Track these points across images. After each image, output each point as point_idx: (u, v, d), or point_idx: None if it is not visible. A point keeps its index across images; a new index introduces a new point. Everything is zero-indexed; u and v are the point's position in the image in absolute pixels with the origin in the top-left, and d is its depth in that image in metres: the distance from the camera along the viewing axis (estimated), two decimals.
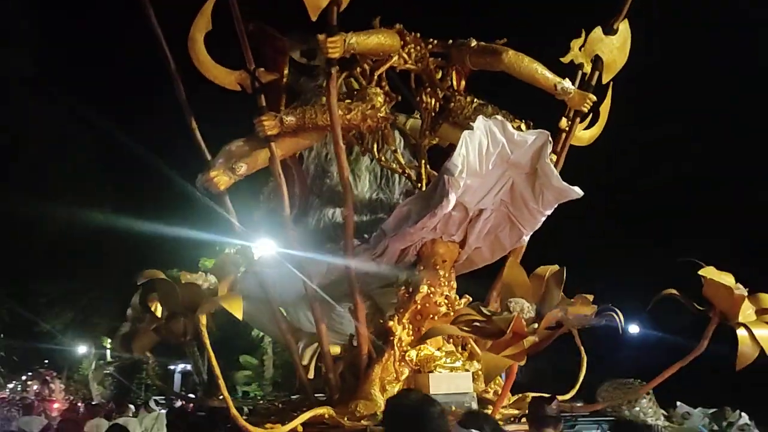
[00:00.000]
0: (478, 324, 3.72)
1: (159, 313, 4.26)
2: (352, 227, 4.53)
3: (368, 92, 4.86)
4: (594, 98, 5.03)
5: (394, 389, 4.53)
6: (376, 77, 5.08)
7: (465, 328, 3.79)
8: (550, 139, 4.38)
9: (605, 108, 5.45)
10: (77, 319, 28.25)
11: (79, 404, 18.73)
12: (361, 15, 4.96)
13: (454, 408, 4.34)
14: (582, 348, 5.47)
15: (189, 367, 26.78)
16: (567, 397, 5.37)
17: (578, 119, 5.08)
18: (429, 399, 2.75)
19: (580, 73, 5.19)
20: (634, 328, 25.41)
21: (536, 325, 3.78)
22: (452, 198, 4.25)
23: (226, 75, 4.54)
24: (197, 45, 4.46)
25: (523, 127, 4.99)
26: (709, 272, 4.36)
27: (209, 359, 4.05)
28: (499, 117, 4.38)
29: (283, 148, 4.83)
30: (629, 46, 5.09)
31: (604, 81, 5.07)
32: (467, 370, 4.66)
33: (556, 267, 4.43)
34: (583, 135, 5.43)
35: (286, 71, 5.13)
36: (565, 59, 5.12)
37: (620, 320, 5.26)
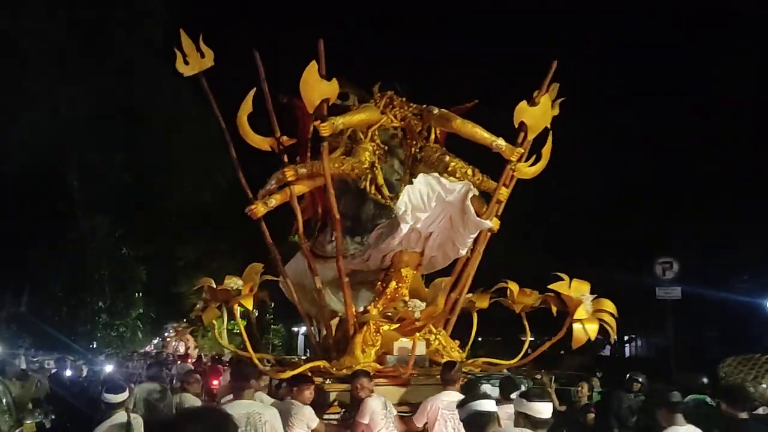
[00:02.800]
0: (389, 314, 6.79)
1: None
2: (342, 243, 7.60)
3: (358, 148, 7.91)
4: (521, 151, 7.78)
5: (371, 351, 7.61)
6: (369, 133, 8.12)
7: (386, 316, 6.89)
8: (472, 187, 7.23)
9: (547, 150, 8.17)
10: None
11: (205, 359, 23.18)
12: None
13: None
14: (527, 326, 8.27)
15: None
16: (513, 362, 8.24)
17: (511, 165, 7.85)
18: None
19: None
20: None
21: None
22: (404, 227, 7.23)
23: (262, 141, 7.68)
24: (242, 122, 7.61)
25: (469, 172, 7.88)
26: (557, 286, 7.21)
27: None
28: (435, 174, 7.27)
29: (304, 185, 7.97)
30: (549, 113, 7.76)
31: (529, 138, 7.79)
32: (423, 340, 7.67)
33: (445, 279, 7.36)
34: (528, 170, 8.19)
35: (311, 126, 8.25)
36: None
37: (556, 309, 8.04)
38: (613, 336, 7.43)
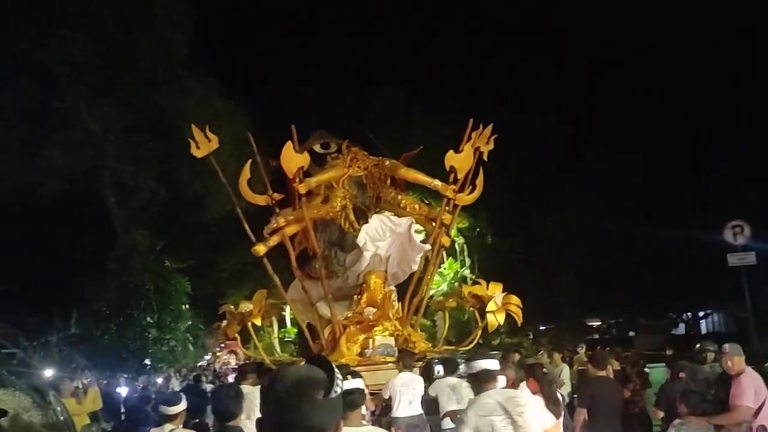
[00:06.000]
0: (353, 317, 11.26)
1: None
2: (323, 270, 12.02)
3: (332, 195, 12.34)
4: (453, 187, 12.01)
5: (354, 347, 12.03)
6: (341, 183, 12.54)
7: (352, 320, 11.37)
8: (413, 221, 11.62)
9: (480, 182, 12.44)
10: (255, 291, 36.36)
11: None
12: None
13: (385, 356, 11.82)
14: (479, 318, 12.57)
15: None
16: (466, 348, 12.61)
17: (447, 198, 12.16)
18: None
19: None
20: None
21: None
22: (366, 254, 11.65)
23: (259, 198, 11.96)
24: (243, 185, 11.73)
25: (417, 206, 12.27)
26: (475, 288, 11.54)
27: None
28: (387, 213, 11.69)
29: (295, 227, 12.38)
30: (472, 158, 12.00)
31: (459, 178, 12.02)
32: (391, 335, 12.06)
33: (391, 289, 11.78)
34: (467, 198, 12.42)
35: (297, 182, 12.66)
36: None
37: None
38: (519, 321, 11.72)
